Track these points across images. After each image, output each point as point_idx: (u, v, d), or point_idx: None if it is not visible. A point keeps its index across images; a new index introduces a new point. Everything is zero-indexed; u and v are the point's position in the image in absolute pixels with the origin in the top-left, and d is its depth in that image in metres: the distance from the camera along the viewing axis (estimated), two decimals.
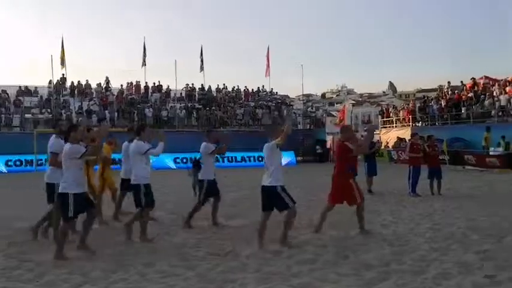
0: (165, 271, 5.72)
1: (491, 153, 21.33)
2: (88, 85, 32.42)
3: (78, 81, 32.47)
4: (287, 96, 51.05)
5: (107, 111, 29.18)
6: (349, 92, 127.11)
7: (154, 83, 34.32)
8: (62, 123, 7.97)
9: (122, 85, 33.27)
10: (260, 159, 27.81)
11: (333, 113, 76.87)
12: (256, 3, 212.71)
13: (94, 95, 31.58)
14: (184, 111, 30.72)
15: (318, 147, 30.82)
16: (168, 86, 34.49)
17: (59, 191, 6.30)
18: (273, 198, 6.77)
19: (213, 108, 31.83)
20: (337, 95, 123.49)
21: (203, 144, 8.51)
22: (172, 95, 33.82)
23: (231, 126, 30.50)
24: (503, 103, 24.31)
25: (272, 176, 6.74)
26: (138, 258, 6.31)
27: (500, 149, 21.29)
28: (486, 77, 30.20)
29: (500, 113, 24.45)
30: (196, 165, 13.41)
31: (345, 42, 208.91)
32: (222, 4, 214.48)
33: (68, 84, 32.10)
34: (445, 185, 12.97)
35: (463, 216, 9.27)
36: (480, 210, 9.94)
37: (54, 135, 7.21)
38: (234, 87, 36.68)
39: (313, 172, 21.43)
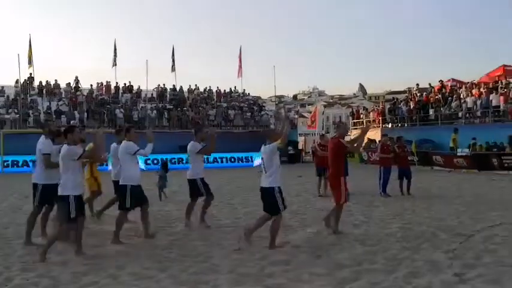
0: (137, 273, 5.64)
1: (458, 154, 21.82)
2: (57, 85, 31.73)
3: (47, 81, 31.78)
4: (259, 97, 51.23)
5: (76, 112, 28.62)
6: (321, 93, 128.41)
7: (125, 84, 33.88)
8: (50, 123, 7.80)
9: (91, 85, 32.72)
10: (232, 160, 27.85)
11: (305, 114, 77.44)
12: (229, 3, 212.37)
13: (63, 95, 30.92)
14: (155, 111, 30.40)
15: (289, 148, 30.92)
16: (139, 87, 34.11)
17: (60, 194, 6.27)
18: (268, 199, 6.79)
19: (185, 108, 31.62)
20: (308, 97, 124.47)
21: (191, 143, 8.44)
22: (143, 95, 33.45)
23: (204, 127, 30.34)
24: (469, 105, 24.91)
25: (272, 176, 6.75)
26: (110, 261, 6.21)
27: (467, 150, 21.80)
28: (453, 80, 30.91)
29: (467, 115, 25.05)
30: (165, 167, 13.36)
31: (317, 45, 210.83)
32: (195, 4, 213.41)
33: (36, 83, 31.36)
34: (414, 186, 13.19)
35: (433, 215, 9.45)
36: (448, 209, 10.15)
37: (43, 136, 7.10)
38: (206, 87, 36.57)
39: (285, 173, 21.45)
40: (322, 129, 70.59)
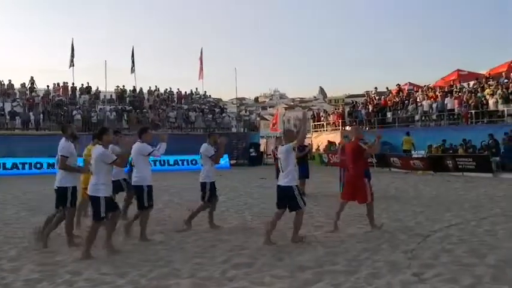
0: (94, 279, 5.47)
1: (414, 155, 22.37)
2: (11, 85, 30.62)
3: (1, 81, 30.58)
4: (220, 100, 51.06)
5: (31, 113, 27.67)
6: (282, 96, 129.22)
7: (82, 84, 33.03)
8: (71, 125, 7.95)
9: (48, 86, 31.72)
10: (194, 162, 27.56)
11: (266, 116, 77.78)
12: (190, 4, 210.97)
13: (17, 96, 29.86)
14: (114, 113, 29.77)
15: (251, 150, 30.95)
16: (98, 88, 33.37)
17: (92, 194, 6.40)
18: (288, 197, 7.10)
19: (145, 110, 31.14)
20: (270, 99, 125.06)
21: (204, 145, 8.51)
22: (102, 96, 32.70)
23: (164, 129, 29.97)
24: (425, 108, 25.62)
25: (288, 176, 7.08)
26: (66, 266, 6.00)
27: (423, 152, 22.36)
28: (410, 84, 31.78)
29: (423, 118, 25.73)
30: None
31: (278, 47, 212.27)
32: (155, 4, 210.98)
33: None
34: (373, 187, 13.35)
35: (391, 216, 9.63)
36: (406, 210, 10.36)
37: (64, 138, 7.13)
38: (167, 89, 36.14)
39: (246, 175, 21.49)
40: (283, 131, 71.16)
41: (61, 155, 6.95)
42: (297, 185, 7.17)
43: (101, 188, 6.38)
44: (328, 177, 16.97)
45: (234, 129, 33.69)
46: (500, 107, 21.49)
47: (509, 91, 21.80)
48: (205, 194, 8.46)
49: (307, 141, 21.15)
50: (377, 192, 13.35)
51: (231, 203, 11.67)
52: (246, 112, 39.61)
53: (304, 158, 13.96)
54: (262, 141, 34.67)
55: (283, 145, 7.29)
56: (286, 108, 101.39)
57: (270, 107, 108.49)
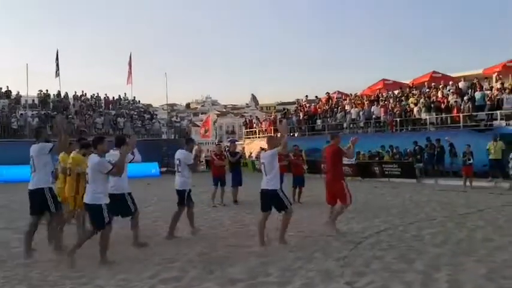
0: None
1: (344, 162, 22.85)
2: None
3: None
4: (150, 105, 49.98)
5: None
6: (214, 103, 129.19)
7: (1, 88, 31.04)
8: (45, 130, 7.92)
9: None
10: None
11: (198, 123, 77.15)
12: (119, 6, 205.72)
13: None
14: (37, 119, 28.19)
15: None
16: (19, 92, 31.51)
17: (92, 202, 6.39)
18: (274, 200, 7.48)
19: (70, 116, 29.74)
20: (201, 106, 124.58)
21: (183, 152, 8.45)
22: (23, 101, 30.90)
23: (90, 136, 28.76)
24: (353, 116, 26.36)
25: (274, 179, 7.47)
26: None
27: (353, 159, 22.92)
28: (339, 92, 32.65)
29: (351, 125, 26.46)
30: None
31: (210, 53, 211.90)
32: (81, 6, 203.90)
33: None
34: (306, 194, 13.47)
35: (319, 222, 9.64)
36: (340, 216, 10.43)
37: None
38: (94, 94, 34.81)
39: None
40: (216, 138, 70.93)
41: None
42: (281, 188, 7.56)
43: (101, 196, 6.40)
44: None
45: (164, 136, 32.98)
46: (423, 115, 22.51)
47: (431, 100, 22.90)
48: (183, 200, 8.39)
49: (239, 148, 21.08)
50: (310, 198, 13.56)
51: (161, 213, 11.18)
52: (177, 118, 38.92)
53: (237, 165, 13.86)
54: (194, 148, 34.15)
55: (265, 150, 7.65)
56: (218, 115, 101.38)
57: (201, 114, 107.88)
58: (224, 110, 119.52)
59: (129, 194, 7.56)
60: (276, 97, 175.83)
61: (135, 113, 33.64)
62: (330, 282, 5.55)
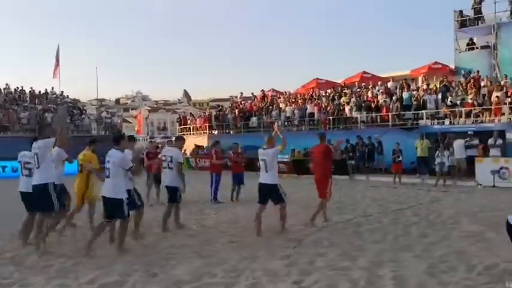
0: None
1: (278, 159, 23.06)
2: None
3: None
4: (78, 100, 47.93)
5: None
6: (145, 98, 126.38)
7: None
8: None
9: None
10: None
11: (129, 119, 75.14)
12: None
13: None
14: None
15: None
16: None
17: (114, 197, 6.68)
18: (272, 193, 8.10)
19: None
20: (132, 101, 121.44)
21: (176, 150, 8.71)
22: None
23: (14, 132, 27.11)
24: (288, 114, 26.68)
25: (275, 175, 8.14)
26: None
27: (287, 156, 23.19)
28: (274, 90, 32.94)
29: (286, 123, 26.75)
30: None
31: (141, 48, 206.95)
32: None
33: None
34: (243, 191, 13.41)
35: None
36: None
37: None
38: (18, 87, 32.81)
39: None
40: (147, 134, 69.31)
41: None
42: (279, 183, 8.17)
43: (122, 190, 6.76)
44: (198, 183, 16.63)
45: (94, 132, 31.72)
46: (355, 114, 23.20)
47: (362, 99, 23.65)
48: (179, 196, 8.68)
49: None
50: (249, 196, 13.49)
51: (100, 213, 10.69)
52: (107, 114, 37.58)
53: None
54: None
55: (265, 148, 8.28)
56: (149, 111, 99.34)
57: (132, 109, 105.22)
58: (155, 105, 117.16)
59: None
60: (209, 93, 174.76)
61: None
62: (277, 281, 5.51)
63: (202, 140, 30.25)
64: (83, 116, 31.94)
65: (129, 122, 67.98)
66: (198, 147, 28.69)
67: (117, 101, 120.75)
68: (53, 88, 34.59)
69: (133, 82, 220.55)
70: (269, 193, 8.15)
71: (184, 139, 9.82)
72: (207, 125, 31.37)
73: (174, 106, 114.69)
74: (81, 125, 30.66)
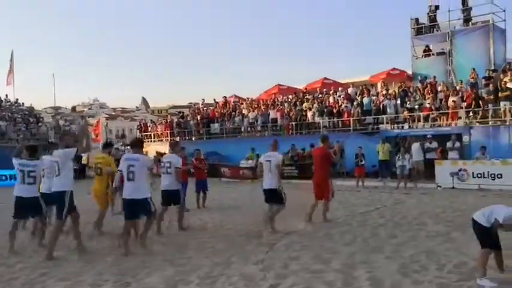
0: None
1: (242, 165, 23.10)
2: None
3: None
4: (33, 108, 46.48)
5: None
6: (102, 105, 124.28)
7: None
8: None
9: None
10: (4, 178, 24.49)
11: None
12: None
13: None
14: None
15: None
16: None
17: (141, 197, 7.12)
18: (274, 195, 8.73)
19: None
20: (89, 109, 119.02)
21: (174, 156, 9.18)
22: None
23: None
24: (251, 120, 26.73)
25: (277, 179, 8.71)
26: None
27: (250, 162, 23.18)
28: (236, 96, 32.96)
29: (249, 129, 26.80)
30: None
31: (97, 54, 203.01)
32: None
33: None
34: (208, 198, 13.29)
35: (234, 227, 9.59)
36: (246, 219, 10.46)
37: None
38: None
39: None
40: (107, 142, 67.90)
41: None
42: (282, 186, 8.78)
43: (146, 190, 7.21)
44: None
45: (52, 141, 30.76)
46: (317, 119, 23.49)
47: (324, 105, 23.99)
48: (183, 199, 9.50)
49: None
50: (214, 203, 13.44)
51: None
52: (65, 122, 36.59)
53: None
54: (85, 154, 32.37)
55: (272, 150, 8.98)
56: (107, 118, 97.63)
57: (89, 117, 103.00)
58: (113, 113, 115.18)
59: None
60: (167, 100, 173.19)
61: (19, 115, 30.99)
62: (254, 286, 5.49)
63: (164, 147, 29.83)
64: (39, 124, 30.94)
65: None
66: (159, 154, 28.26)
67: (74, 108, 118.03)
68: (7, 96, 33.41)
69: (90, 90, 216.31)
70: (272, 195, 8.78)
71: (179, 144, 10.59)
72: (168, 131, 30.99)
73: (132, 114, 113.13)
74: (38, 133, 29.70)
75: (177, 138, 30.32)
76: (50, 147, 9.49)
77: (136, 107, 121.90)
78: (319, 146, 10.12)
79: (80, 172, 28.23)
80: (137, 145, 7.59)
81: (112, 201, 9.49)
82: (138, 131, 35.37)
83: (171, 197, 9.11)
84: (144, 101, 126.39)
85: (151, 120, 37.91)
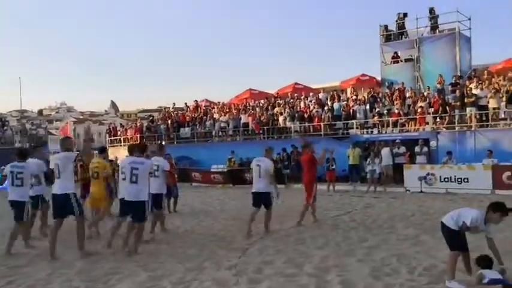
0: None
1: (213, 169, 23.02)
2: None
3: None
4: None
5: None
6: (70, 109, 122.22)
7: None
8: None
9: None
10: None
11: (53, 131, 71.93)
12: None
13: None
14: None
15: None
16: None
17: (141, 199, 7.47)
18: (265, 199, 9.05)
19: None
20: (56, 112, 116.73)
21: (161, 159, 9.18)
22: None
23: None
24: (222, 124, 26.64)
25: (269, 184, 9.08)
26: None
27: (222, 166, 23.14)
28: (207, 100, 32.80)
29: (220, 133, 26.70)
30: None
31: (64, 57, 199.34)
32: None
33: None
34: (179, 202, 13.18)
35: (207, 231, 9.53)
36: (219, 224, 10.42)
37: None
38: None
39: None
40: (74, 146, 66.54)
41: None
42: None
43: (147, 193, 7.65)
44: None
45: (18, 145, 30.02)
46: (288, 124, 23.61)
47: (295, 110, 24.14)
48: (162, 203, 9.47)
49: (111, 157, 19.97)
50: (185, 207, 13.33)
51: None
52: (32, 126, 35.74)
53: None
54: (52, 158, 31.69)
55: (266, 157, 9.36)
56: (75, 122, 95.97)
57: (56, 121, 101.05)
58: (81, 117, 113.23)
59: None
60: (137, 104, 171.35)
61: None
62: None
63: None
64: (5, 128, 30.13)
65: (54, 134, 65.02)
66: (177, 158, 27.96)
67: (40, 112, 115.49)
68: None
69: (57, 93, 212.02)
70: (262, 198, 9.04)
71: (164, 146, 10.67)
72: (138, 135, 30.58)
73: (101, 117, 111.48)
74: (3, 137, 28.91)
75: (147, 143, 30.03)
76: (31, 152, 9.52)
77: (105, 111, 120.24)
78: (305, 153, 10.71)
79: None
80: (141, 149, 7.90)
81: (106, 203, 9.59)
82: (107, 135, 34.81)
83: (155, 201, 8.91)
84: (113, 104, 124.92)
85: (120, 124, 37.35)
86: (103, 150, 10.17)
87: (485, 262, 5.36)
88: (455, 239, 5.45)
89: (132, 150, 7.82)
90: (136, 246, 7.49)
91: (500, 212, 5.30)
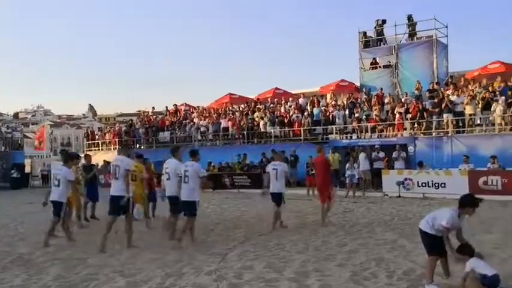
0: None
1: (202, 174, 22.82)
2: None
3: None
4: None
5: None
6: (47, 112, 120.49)
7: None
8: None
9: None
10: None
11: (29, 134, 70.68)
12: None
13: None
14: None
15: (13, 171, 27.51)
16: None
17: (192, 199, 8.49)
18: (277, 198, 10.01)
19: None
20: (32, 115, 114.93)
21: (175, 162, 9.03)
22: None
23: None
24: (202, 128, 26.54)
25: (283, 185, 10.16)
26: None
27: (202, 170, 22.95)
28: (187, 104, 32.64)
29: (200, 137, 26.58)
30: None
31: (43, 59, 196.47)
32: None
33: None
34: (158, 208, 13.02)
35: (186, 236, 9.41)
36: (198, 229, 10.28)
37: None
38: None
39: (9, 201, 18.90)
40: (51, 150, 65.57)
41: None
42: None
43: (197, 194, 8.53)
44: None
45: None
46: (269, 129, 23.65)
47: (275, 115, 24.20)
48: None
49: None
50: (164, 212, 13.13)
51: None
52: (7, 129, 35.02)
53: (93, 180, 12.97)
54: (28, 162, 31.16)
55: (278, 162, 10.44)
56: (52, 126, 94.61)
57: (33, 124, 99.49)
58: (59, 120, 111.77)
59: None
60: (115, 108, 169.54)
61: None
62: None
63: (112, 156, 29.09)
64: None
65: (30, 138, 63.86)
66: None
67: (16, 115, 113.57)
68: None
69: (34, 96, 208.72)
70: (277, 198, 9.99)
71: (180, 148, 10.59)
72: (116, 140, 30.25)
73: (78, 121, 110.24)
74: None
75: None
76: None
77: (83, 115, 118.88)
78: (319, 155, 11.08)
79: (21, 181, 27.21)
80: (193, 154, 8.88)
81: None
82: (85, 139, 34.36)
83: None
84: (91, 108, 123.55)
85: (98, 127, 36.93)
86: (139, 156, 11.48)
87: (467, 249, 5.38)
88: (433, 243, 5.51)
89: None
90: (181, 237, 8.44)
91: (471, 204, 5.41)
